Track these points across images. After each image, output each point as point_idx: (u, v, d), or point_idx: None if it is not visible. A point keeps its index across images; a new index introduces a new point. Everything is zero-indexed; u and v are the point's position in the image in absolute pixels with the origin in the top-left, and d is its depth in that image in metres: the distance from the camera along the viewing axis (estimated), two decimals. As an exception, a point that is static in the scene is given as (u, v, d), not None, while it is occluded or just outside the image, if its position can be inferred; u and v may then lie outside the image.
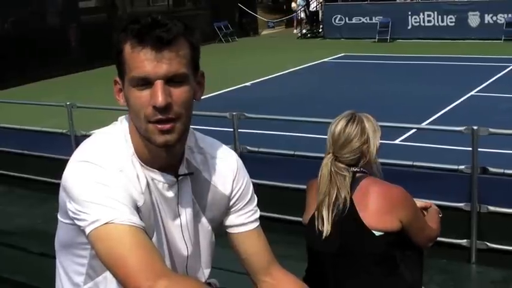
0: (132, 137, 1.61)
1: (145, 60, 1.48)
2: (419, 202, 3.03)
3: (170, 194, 1.65)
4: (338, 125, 2.69)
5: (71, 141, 6.30)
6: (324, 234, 2.66)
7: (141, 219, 1.51)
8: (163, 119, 1.50)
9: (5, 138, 7.19)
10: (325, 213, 2.66)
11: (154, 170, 1.62)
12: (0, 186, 6.62)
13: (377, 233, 2.65)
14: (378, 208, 2.66)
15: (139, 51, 1.48)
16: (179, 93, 1.51)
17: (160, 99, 1.47)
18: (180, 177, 1.66)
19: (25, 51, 16.00)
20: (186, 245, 1.71)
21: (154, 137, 1.52)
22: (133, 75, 1.49)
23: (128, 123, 1.64)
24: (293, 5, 26.35)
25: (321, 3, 24.77)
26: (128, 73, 1.51)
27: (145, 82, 1.49)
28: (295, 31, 25.61)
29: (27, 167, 6.87)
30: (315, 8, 25.39)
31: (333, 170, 2.66)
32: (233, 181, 1.78)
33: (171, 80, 1.50)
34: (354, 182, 2.68)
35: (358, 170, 2.71)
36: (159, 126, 1.50)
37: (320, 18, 24.62)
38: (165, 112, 1.49)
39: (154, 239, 1.61)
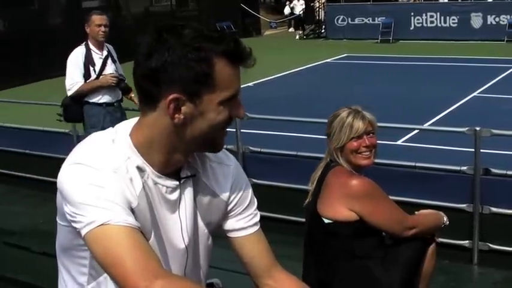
0: (151, 147, 1.59)
1: (237, 80, 1.57)
2: (424, 211, 3.14)
3: (173, 197, 1.65)
4: None
5: (74, 141, 6.31)
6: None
7: (136, 221, 1.51)
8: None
9: (8, 138, 7.20)
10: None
11: (161, 175, 1.62)
12: (3, 185, 6.62)
13: (326, 221, 2.81)
14: (327, 196, 2.83)
15: (235, 69, 1.55)
16: None
17: (243, 112, 1.60)
18: (183, 180, 1.67)
19: (28, 50, 16.01)
20: (187, 248, 1.71)
21: (220, 142, 1.63)
22: (231, 94, 1.55)
23: (132, 133, 1.61)
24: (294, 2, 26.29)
25: (323, 4, 24.79)
26: (217, 90, 1.53)
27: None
28: (297, 32, 25.59)
29: (29, 167, 6.89)
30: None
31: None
32: (231, 186, 1.78)
33: None
34: (329, 170, 2.91)
35: (333, 160, 2.91)
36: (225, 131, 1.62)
37: (323, 19, 24.64)
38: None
39: (152, 241, 1.61)
